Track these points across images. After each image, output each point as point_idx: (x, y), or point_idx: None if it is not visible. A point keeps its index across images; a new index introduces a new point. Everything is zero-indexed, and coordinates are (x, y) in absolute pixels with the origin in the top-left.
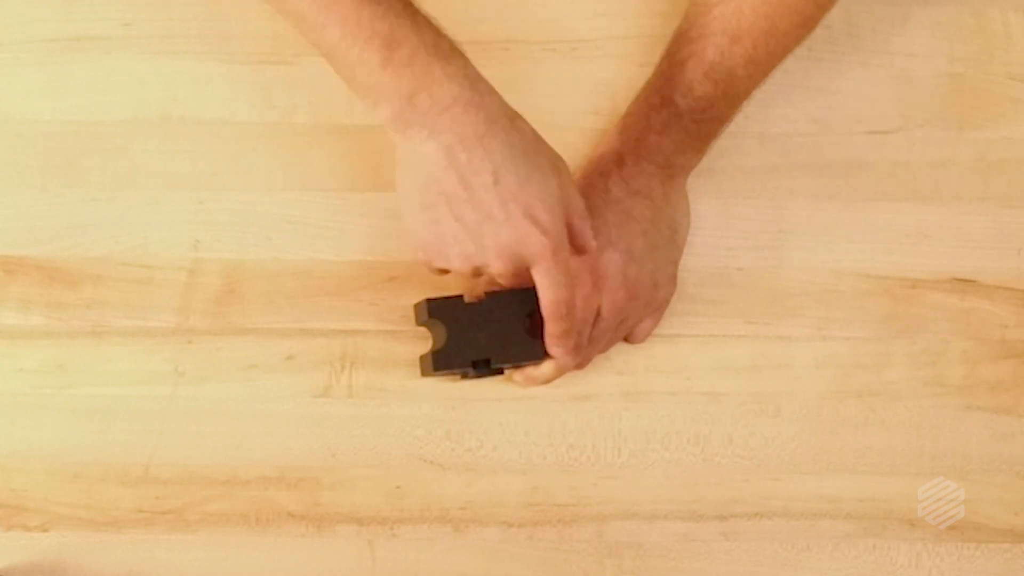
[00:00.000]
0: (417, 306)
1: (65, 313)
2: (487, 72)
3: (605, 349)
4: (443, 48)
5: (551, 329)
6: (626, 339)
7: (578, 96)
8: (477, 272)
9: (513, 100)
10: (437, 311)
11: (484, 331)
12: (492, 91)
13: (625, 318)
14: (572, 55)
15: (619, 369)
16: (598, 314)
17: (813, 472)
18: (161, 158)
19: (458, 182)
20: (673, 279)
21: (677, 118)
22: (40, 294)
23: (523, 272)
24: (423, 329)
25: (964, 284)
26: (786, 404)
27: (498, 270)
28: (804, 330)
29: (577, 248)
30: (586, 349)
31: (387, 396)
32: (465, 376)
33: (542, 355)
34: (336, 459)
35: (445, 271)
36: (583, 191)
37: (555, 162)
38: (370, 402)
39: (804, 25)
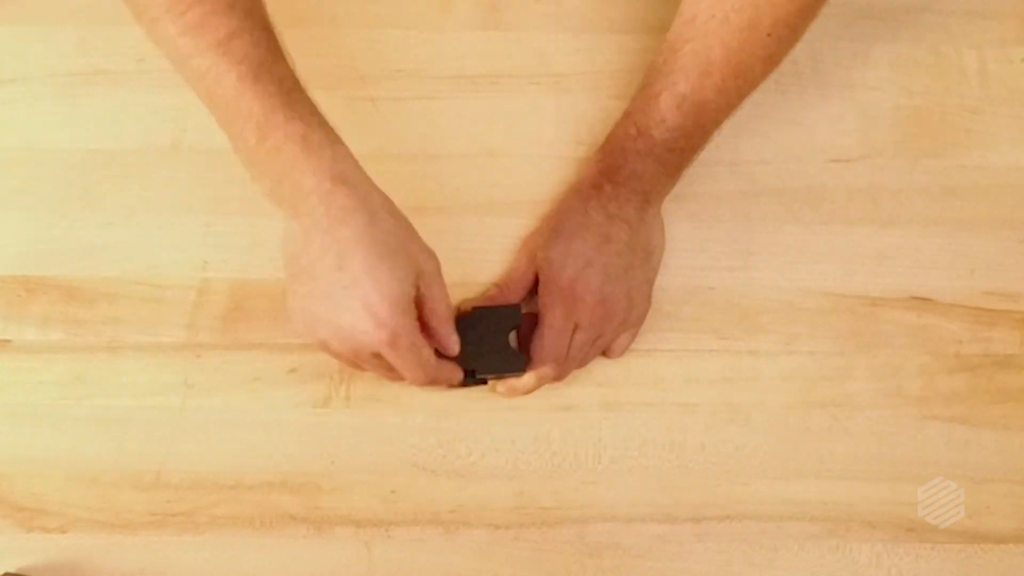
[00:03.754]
0: None
1: (82, 329)
2: (477, 104)
3: (584, 363)
4: (312, 140)
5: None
6: (604, 354)
7: (561, 126)
8: (324, 348)
9: (500, 129)
10: None
11: (470, 343)
12: (356, 184)
13: (602, 334)
14: (555, 88)
15: (599, 382)
16: (576, 330)
17: (780, 477)
18: (171, 184)
19: (309, 262)
20: (648, 298)
21: (652, 147)
22: (59, 311)
23: (365, 357)
24: None
25: (921, 302)
26: (755, 414)
27: (336, 349)
28: (772, 345)
29: (440, 347)
30: (565, 363)
31: (383, 407)
32: (451, 385)
33: (524, 368)
34: (335, 465)
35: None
36: (564, 214)
37: (417, 260)
38: (367, 412)
39: (770, 60)
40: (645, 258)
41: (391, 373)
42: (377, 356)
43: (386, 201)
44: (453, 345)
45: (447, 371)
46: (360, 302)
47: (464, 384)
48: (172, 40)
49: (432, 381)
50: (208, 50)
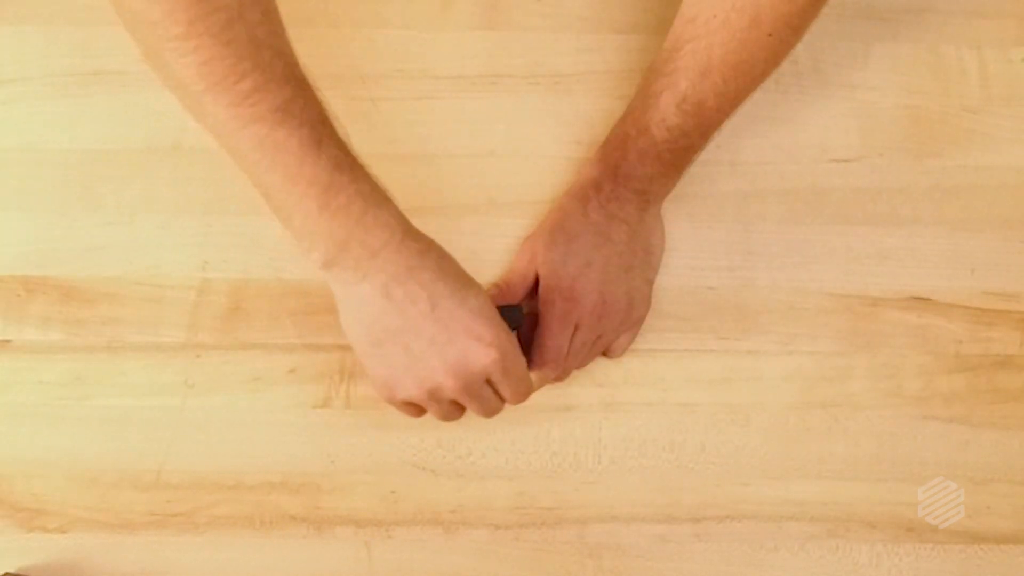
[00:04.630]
0: None
1: (82, 329)
2: (477, 104)
3: (584, 364)
4: (376, 197)
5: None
6: (604, 354)
7: (560, 127)
8: (436, 397)
9: (500, 130)
10: None
11: None
12: (418, 231)
13: (602, 334)
14: (555, 89)
15: (599, 382)
16: (576, 330)
17: (780, 477)
18: (172, 185)
19: (397, 315)
20: (648, 298)
21: (652, 147)
22: (59, 311)
23: (477, 388)
24: None
25: (921, 302)
26: (755, 414)
27: (452, 389)
28: (772, 345)
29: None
30: (564, 363)
31: (383, 407)
32: None
33: None
34: (335, 465)
35: (412, 405)
36: (564, 214)
37: (478, 285)
38: (367, 412)
39: (770, 60)
40: (645, 258)
41: (460, 412)
42: (471, 394)
43: None
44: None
45: (536, 381)
46: (464, 332)
47: None
48: (221, 111)
49: (527, 394)
50: (266, 116)
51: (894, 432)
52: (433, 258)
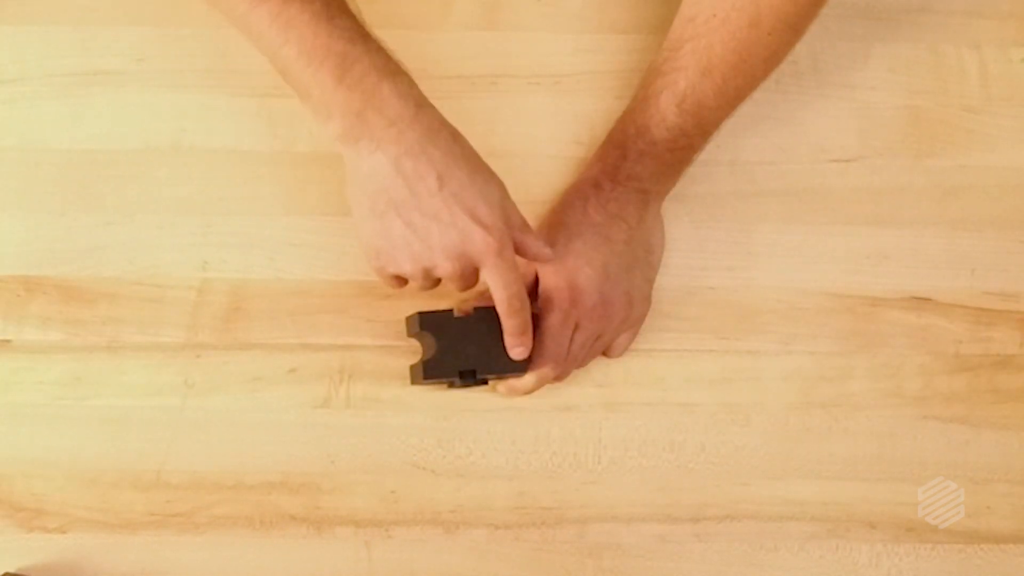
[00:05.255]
0: (409, 319)
1: (82, 329)
2: (477, 104)
3: (584, 363)
4: (392, 68)
5: (507, 326)
6: (604, 354)
7: (560, 126)
8: (427, 275)
9: (500, 130)
10: (427, 324)
11: (471, 343)
12: (434, 108)
13: (602, 334)
14: (555, 89)
15: (599, 382)
16: (576, 329)
17: (780, 477)
18: (172, 184)
19: (405, 189)
20: (648, 297)
21: (652, 147)
22: (59, 311)
23: (470, 273)
24: (416, 344)
25: (921, 302)
26: (755, 414)
27: (447, 271)
28: (772, 345)
29: (532, 257)
30: (564, 363)
31: (383, 407)
32: (452, 385)
33: (524, 368)
34: (335, 465)
35: (397, 278)
36: (564, 214)
37: (494, 175)
38: (367, 412)
39: (770, 60)
40: (645, 258)
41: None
42: (463, 277)
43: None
44: (548, 252)
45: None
46: (468, 215)
47: (464, 384)
48: None
49: (519, 305)
50: None
51: (894, 432)
52: (446, 137)
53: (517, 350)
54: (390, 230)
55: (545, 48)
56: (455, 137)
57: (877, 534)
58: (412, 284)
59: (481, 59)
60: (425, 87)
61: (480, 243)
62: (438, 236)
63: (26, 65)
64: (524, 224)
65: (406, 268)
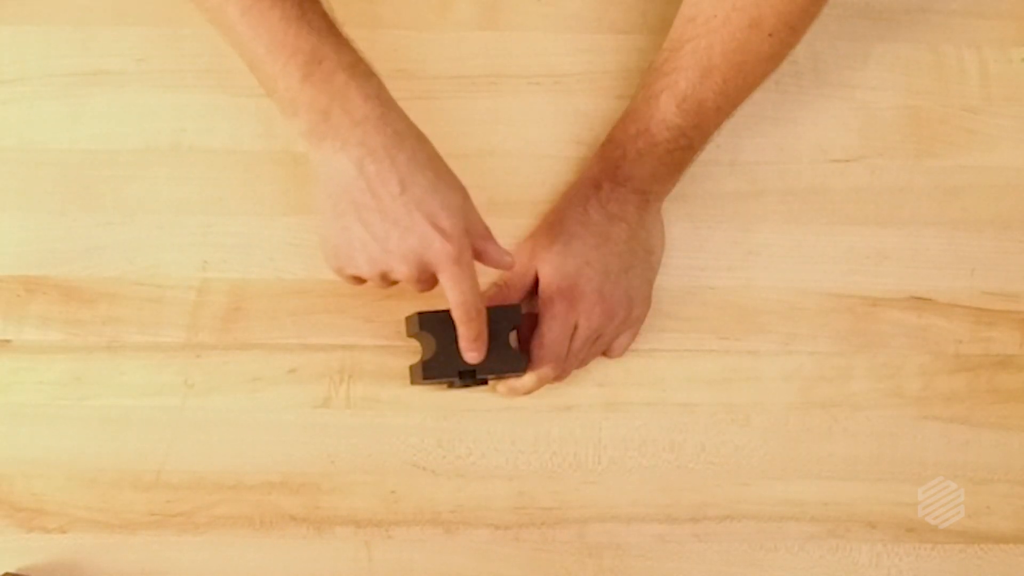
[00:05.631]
0: (409, 319)
1: (82, 329)
2: (477, 104)
3: (584, 363)
4: (360, 69)
5: (462, 332)
6: (605, 354)
7: (561, 126)
8: (384, 277)
9: (500, 130)
10: (427, 324)
11: None
12: (401, 112)
13: (602, 334)
14: (555, 88)
15: (599, 382)
16: (576, 329)
17: (780, 478)
18: (171, 184)
19: (367, 191)
20: (648, 298)
21: (652, 147)
22: (59, 311)
23: (427, 277)
24: (416, 344)
25: (921, 302)
26: (755, 414)
27: (403, 275)
28: (772, 345)
29: (494, 265)
30: (564, 363)
31: (383, 407)
32: (451, 385)
33: (524, 368)
34: (335, 465)
35: (356, 278)
36: (564, 214)
37: (458, 182)
38: (367, 412)
39: (771, 60)
40: (645, 258)
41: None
42: (420, 281)
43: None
44: (509, 260)
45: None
46: (428, 221)
47: (464, 384)
48: None
49: (475, 313)
50: None
51: (894, 432)
52: (411, 141)
53: (471, 355)
54: (349, 231)
55: (545, 48)
56: (420, 141)
57: (877, 534)
58: (369, 284)
59: (481, 59)
60: (424, 87)
61: (438, 250)
62: (397, 241)
63: (26, 65)
64: (486, 231)
65: (363, 270)
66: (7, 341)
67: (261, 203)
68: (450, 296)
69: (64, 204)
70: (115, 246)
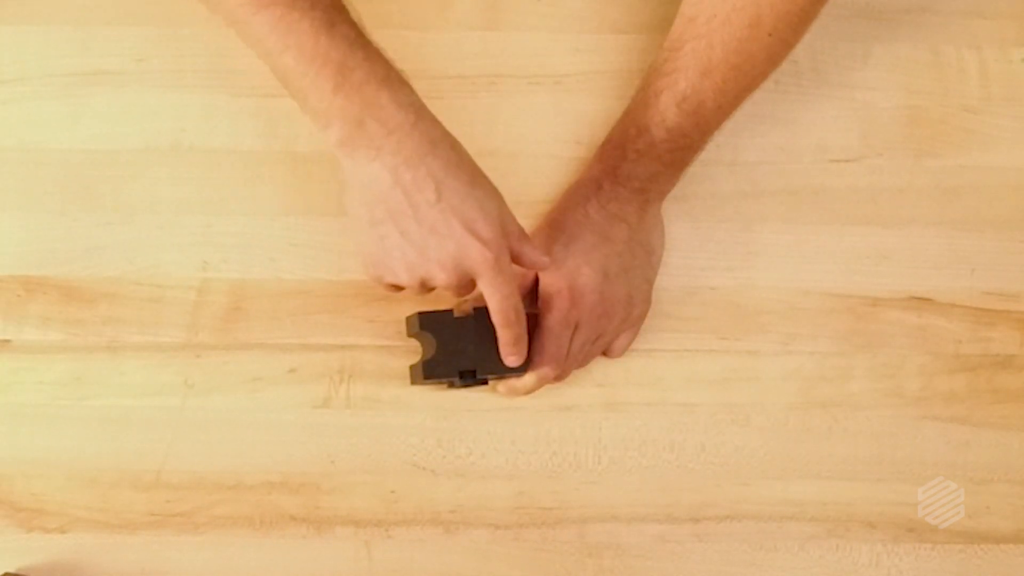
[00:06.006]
0: (409, 319)
1: (82, 329)
2: (477, 104)
3: (584, 363)
4: (392, 77)
5: (503, 336)
6: (605, 353)
7: (561, 127)
8: (424, 285)
9: (500, 130)
10: (427, 324)
11: (471, 343)
12: (434, 118)
13: (602, 334)
14: (556, 89)
15: (599, 381)
16: (576, 329)
17: (780, 477)
18: (172, 184)
19: (403, 199)
20: (648, 297)
21: (652, 147)
22: (59, 311)
23: (466, 283)
24: (416, 344)
25: (921, 302)
26: (755, 414)
27: (442, 282)
28: (772, 345)
29: (529, 266)
30: (564, 363)
31: (383, 407)
32: (452, 385)
33: (524, 368)
34: (335, 465)
35: (394, 286)
36: (564, 214)
37: (492, 186)
38: (367, 412)
39: (771, 60)
40: (645, 258)
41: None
42: (459, 287)
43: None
44: (545, 261)
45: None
46: (465, 227)
47: (464, 384)
48: None
49: (515, 316)
50: (278, 0)
51: (894, 432)
52: (445, 148)
53: (511, 359)
54: (386, 240)
55: (545, 48)
56: (454, 147)
57: (877, 534)
58: (408, 291)
59: (481, 59)
60: (424, 87)
61: (477, 256)
62: (435, 248)
63: (26, 65)
64: (522, 234)
65: (402, 278)
66: (7, 341)
67: (261, 203)
68: (490, 302)
69: (64, 204)
70: (115, 246)
